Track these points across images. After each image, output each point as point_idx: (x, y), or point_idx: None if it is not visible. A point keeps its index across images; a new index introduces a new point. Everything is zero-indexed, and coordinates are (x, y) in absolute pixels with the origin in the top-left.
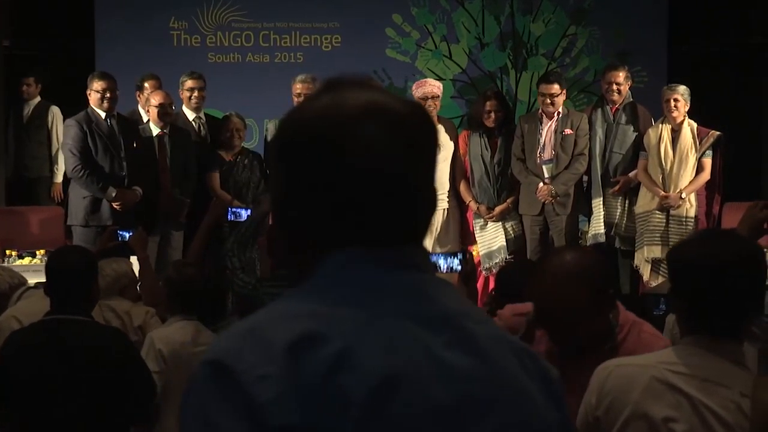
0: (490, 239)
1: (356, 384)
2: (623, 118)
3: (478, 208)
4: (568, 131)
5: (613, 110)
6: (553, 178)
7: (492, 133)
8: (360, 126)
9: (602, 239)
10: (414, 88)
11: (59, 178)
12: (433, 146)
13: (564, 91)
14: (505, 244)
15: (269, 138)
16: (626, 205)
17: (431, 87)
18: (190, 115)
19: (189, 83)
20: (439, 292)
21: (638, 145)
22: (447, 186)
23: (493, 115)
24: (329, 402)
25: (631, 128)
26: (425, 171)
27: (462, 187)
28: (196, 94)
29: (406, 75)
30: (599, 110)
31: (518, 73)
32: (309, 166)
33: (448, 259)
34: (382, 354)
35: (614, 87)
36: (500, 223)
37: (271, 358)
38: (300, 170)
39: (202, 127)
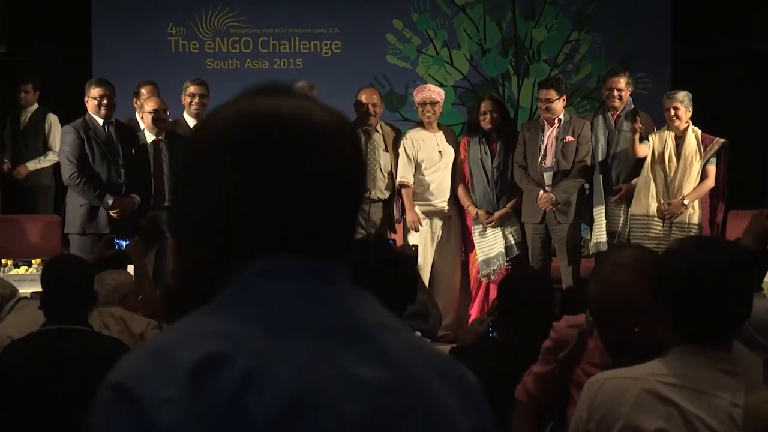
0: (489, 245)
1: (263, 406)
2: (625, 125)
3: (476, 213)
4: (569, 138)
5: (615, 117)
6: (554, 185)
7: (491, 138)
8: (324, 137)
9: (604, 248)
10: (414, 93)
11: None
12: (359, 156)
13: (563, 98)
14: (503, 250)
15: None
16: (628, 212)
17: (431, 93)
18: (191, 122)
19: (191, 89)
20: (354, 304)
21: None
22: (448, 193)
23: (488, 116)
24: (235, 425)
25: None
26: (364, 182)
27: (461, 192)
28: (196, 100)
29: (407, 81)
30: (600, 117)
31: (520, 80)
32: (233, 172)
33: None
34: (291, 373)
35: (615, 93)
36: (499, 228)
37: (175, 380)
38: (227, 176)
39: None
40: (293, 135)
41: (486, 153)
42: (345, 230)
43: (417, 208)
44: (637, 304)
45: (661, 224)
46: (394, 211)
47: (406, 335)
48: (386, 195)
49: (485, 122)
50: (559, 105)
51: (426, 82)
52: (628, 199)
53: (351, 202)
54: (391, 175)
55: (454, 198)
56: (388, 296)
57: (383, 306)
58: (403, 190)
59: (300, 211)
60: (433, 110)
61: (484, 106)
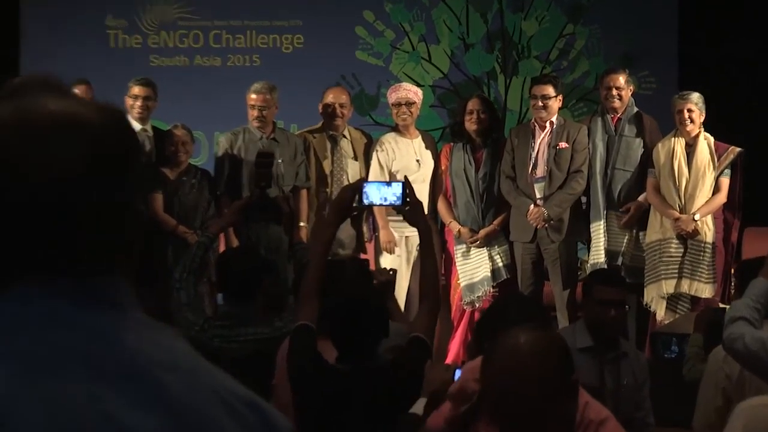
0: (473, 268)
1: None
2: (626, 129)
3: (459, 231)
4: (563, 145)
5: (615, 120)
6: (546, 198)
7: (476, 145)
8: (47, 142)
9: None
10: (388, 94)
11: None
12: (135, 163)
13: (560, 97)
14: (489, 274)
15: (220, 154)
16: (634, 230)
17: (406, 92)
18: (136, 126)
19: (135, 90)
20: (131, 336)
21: (645, 162)
22: (427, 209)
23: (475, 116)
24: None
25: (637, 141)
26: (123, 192)
27: (441, 207)
28: (139, 103)
29: (379, 80)
30: (599, 120)
31: (508, 79)
32: None
33: (382, 188)
34: (44, 420)
35: (614, 92)
36: (485, 249)
37: None
38: None
39: (147, 141)
40: (58, 149)
41: (470, 162)
42: (121, 247)
43: (391, 225)
44: (532, 398)
45: (680, 244)
46: (364, 229)
47: (194, 373)
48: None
49: (471, 122)
50: (556, 104)
51: (401, 82)
52: (638, 220)
53: (124, 218)
54: None
55: (433, 214)
56: (361, 328)
57: (174, 338)
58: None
59: (41, 230)
60: (410, 112)
61: (472, 104)
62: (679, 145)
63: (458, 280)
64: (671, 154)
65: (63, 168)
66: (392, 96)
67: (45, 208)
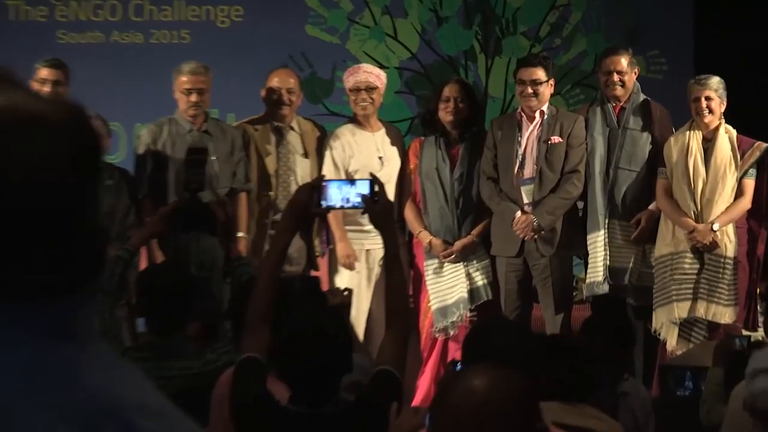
0: (447, 288)
1: None
2: (632, 121)
3: (430, 242)
4: (556, 139)
5: (617, 110)
6: (535, 204)
7: (452, 140)
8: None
9: (603, 290)
10: (344, 77)
11: None
12: (95, 162)
13: (551, 82)
14: (466, 296)
15: (141, 150)
16: (645, 246)
17: (367, 74)
18: None
19: (42, 73)
20: (104, 374)
21: (654, 160)
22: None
23: (452, 104)
24: None
25: (644, 135)
26: (86, 196)
27: (409, 214)
28: (48, 87)
29: (334, 61)
30: (598, 110)
31: (490, 60)
32: None
33: (344, 188)
34: None
35: (615, 77)
36: (461, 265)
37: None
38: None
39: None
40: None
41: (444, 160)
42: (85, 264)
43: (349, 237)
44: None
45: (694, 259)
46: (316, 241)
47: (174, 421)
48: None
49: (446, 112)
50: (547, 91)
51: (360, 62)
52: (650, 236)
53: (91, 227)
54: None
55: (400, 223)
56: (318, 362)
57: (141, 376)
58: (331, 213)
59: (19, 243)
60: (371, 99)
61: (448, 90)
62: (695, 139)
63: (429, 302)
64: (685, 151)
65: (22, 171)
66: (350, 80)
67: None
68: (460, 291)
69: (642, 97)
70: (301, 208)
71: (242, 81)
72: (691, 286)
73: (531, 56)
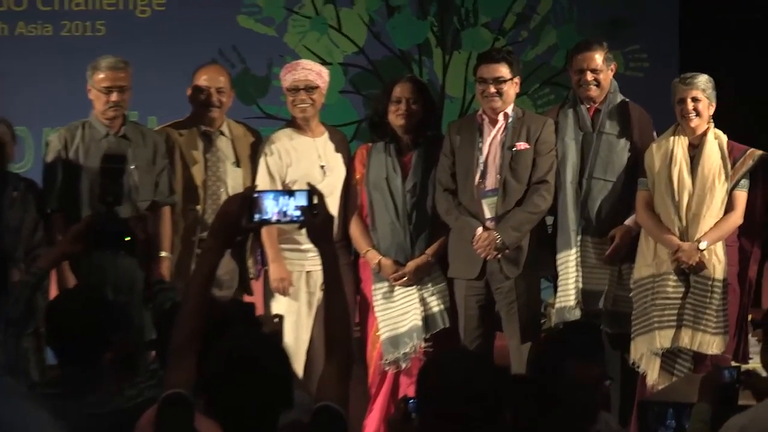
0: (398, 316)
1: None
2: (608, 125)
3: (379, 263)
4: (522, 145)
5: (592, 112)
6: (499, 218)
7: (404, 146)
8: None
9: (574, 316)
10: (282, 74)
11: None
12: None
13: (516, 80)
14: (420, 324)
15: (51, 157)
16: (621, 267)
17: (306, 72)
18: None
19: None
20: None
21: (633, 169)
22: (335, 233)
23: (404, 106)
24: None
25: (622, 141)
26: None
27: (355, 231)
28: None
29: (271, 56)
30: (570, 112)
31: (447, 55)
32: None
33: (281, 200)
34: None
35: (588, 76)
36: (415, 288)
37: None
38: None
39: None
40: None
41: (395, 169)
42: None
43: (286, 257)
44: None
45: (678, 282)
46: (250, 262)
47: None
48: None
49: (398, 115)
50: (512, 90)
51: (300, 58)
52: (625, 254)
53: None
54: None
55: (344, 241)
56: (253, 399)
57: (45, 418)
58: (264, 229)
59: None
60: (311, 99)
61: (400, 90)
62: (680, 146)
63: (378, 331)
64: (669, 159)
65: None
66: (287, 78)
67: None
68: (414, 318)
69: (620, 97)
70: (231, 223)
71: (165, 79)
72: (675, 312)
73: (493, 51)
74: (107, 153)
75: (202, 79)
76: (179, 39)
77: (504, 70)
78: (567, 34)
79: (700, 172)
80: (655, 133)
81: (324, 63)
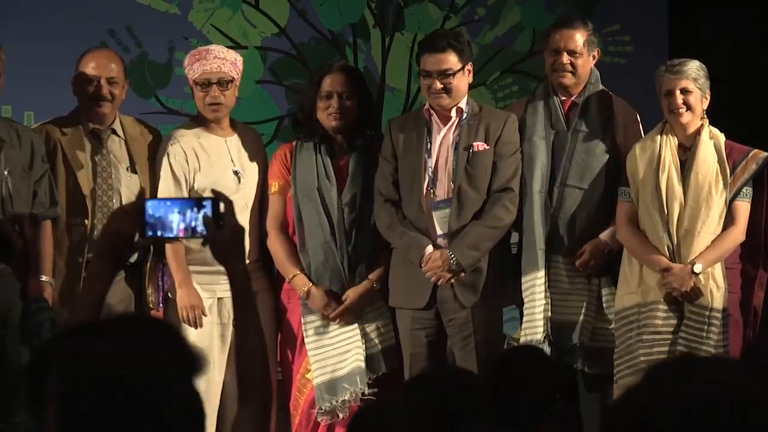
0: (336, 356)
1: None
2: (585, 122)
3: (309, 292)
4: (480, 146)
5: (567, 106)
6: (453, 235)
7: (337, 148)
8: None
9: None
10: (187, 62)
11: None
12: None
13: (468, 68)
14: (363, 365)
15: None
16: (597, 288)
17: (219, 62)
18: None
19: None
20: None
21: (615, 176)
22: (250, 252)
23: (335, 102)
24: None
25: (602, 142)
26: None
27: (279, 250)
28: None
29: (172, 39)
30: (540, 106)
31: (387, 37)
32: None
33: (183, 210)
34: None
35: (564, 59)
36: (355, 325)
37: None
38: None
39: None
40: None
41: (328, 177)
42: None
43: (195, 280)
44: None
45: (668, 311)
46: (149, 289)
47: None
48: (133, 255)
49: (329, 114)
50: (463, 82)
51: (208, 41)
52: (598, 269)
53: None
54: None
55: (262, 260)
56: None
57: None
58: (167, 247)
59: None
60: (223, 95)
61: (330, 82)
62: (668, 148)
63: (307, 373)
64: (656, 164)
65: None
66: (195, 67)
67: None
68: (355, 359)
69: (600, 87)
70: (120, 240)
71: (44, 67)
72: (666, 348)
73: (435, 36)
74: None
75: (90, 67)
76: (61, 17)
77: (451, 60)
78: (533, 13)
79: (693, 180)
80: (642, 132)
81: (238, 47)
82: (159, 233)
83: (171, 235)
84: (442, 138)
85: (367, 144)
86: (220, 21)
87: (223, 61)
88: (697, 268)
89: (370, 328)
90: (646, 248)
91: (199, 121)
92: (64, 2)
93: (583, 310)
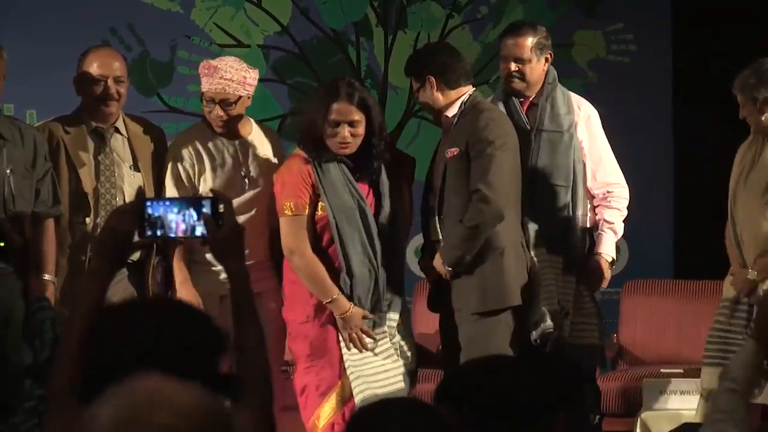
0: (378, 375)
1: None
2: (546, 123)
3: (348, 314)
4: (451, 152)
5: (526, 106)
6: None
7: (353, 167)
8: None
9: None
10: (200, 70)
11: None
12: None
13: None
14: (403, 385)
15: None
16: (574, 283)
17: (224, 84)
18: None
19: None
20: None
21: (577, 170)
22: (257, 248)
23: (344, 133)
24: None
25: (563, 140)
26: None
27: (318, 270)
28: None
29: (174, 38)
30: (500, 107)
31: (390, 35)
32: None
33: (182, 209)
34: None
35: (512, 67)
36: (390, 344)
37: None
38: None
39: None
40: None
41: (360, 197)
42: None
43: (195, 279)
44: None
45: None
46: (151, 284)
47: None
48: (135, 254)
49: (337, 143)
50: (440, 98)
51: (212, 40)
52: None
53: None
54: None
55: (274, 260)
56: None
57: None
58: (174, 245)
59: None
60: (226, 113)
61: (339, 111)
62: (753, 149)
63: (334, 395)
64: (740, 165)
65: None
66: (203, 81)
67: None
68: (397, 379)
69: (560, 89)
70: (117, 239)
71: (46, 65)
72: (720, 347)
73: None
74: None
75: (94, 67)
76: (63, 16)
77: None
78: (535, 11)
79: (753, 178)
80: (602, 132)
81: (240, 45)
82: (158, 233)
83: (170, 235)
84: (442, 144)
85: (387, 164)
86: (223, 19)
87: (228, 82)
88: (753, 274)
89: (402, 347)
90: (731, 247)
91: (208, 122)
92: (66, 1)
93: (564, 303)
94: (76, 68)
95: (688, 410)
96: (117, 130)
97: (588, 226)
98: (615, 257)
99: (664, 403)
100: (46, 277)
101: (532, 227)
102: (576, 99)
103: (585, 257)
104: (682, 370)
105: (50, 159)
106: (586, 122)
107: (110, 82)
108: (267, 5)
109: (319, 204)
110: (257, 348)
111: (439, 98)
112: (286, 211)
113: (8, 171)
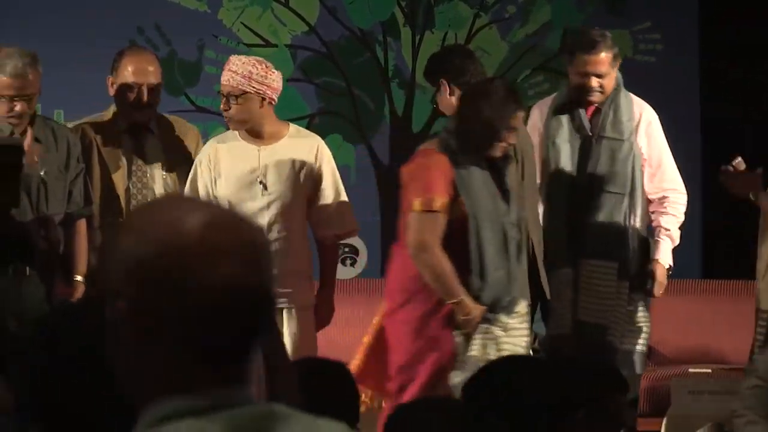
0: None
1: None
2: (609, 129)
3: (471, 317)
4: None
5: (591, 111)
6: None
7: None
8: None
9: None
10: (227, 68)
11: None
12: None
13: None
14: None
15: None
16: (626, 291)
17: (229, 75)
18: None
19: None
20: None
21: (637, 177)
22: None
23: (511, 140)
24: None
25: (624, 147)
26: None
27: (446, 269)
28: None
29: (202, 38)
30: (564, 118)
31: (418, 35)
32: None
33: None
34: None
35: (594, 83)
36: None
37: None
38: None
39: None
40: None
41: (498, 198)
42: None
43: None
44: None
45: None
46: None
47: None
48: None
49: (502, 149)
50: (453, 102)
51: (239, 40)
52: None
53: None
54: None
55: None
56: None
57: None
58: None
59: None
60: (230, 108)
61: (514, 121)
62: None
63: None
64: None
65: None
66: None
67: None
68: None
69: (623, 93)
70: None
71: (73, 65)
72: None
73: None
74: None
75: (129, 72)
76: (91, 15)
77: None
78: (563, 10)
79: None
80: (662, 133)
81: (267, 45)
82: None
83: None
84: None
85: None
86: (250, 19)
87: (233, 74)
88: None
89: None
90: None
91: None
92: (93, 2)
93: (616, 313)
94: (111, 68)
95: (716, 410)
96: (150, 131)
97: (645, 235)
98: (672, 264)
99: (691, 403)
100: (78, 278)
101: (588, 233)
102: (638, 104)
103: (642, 264)
104: (710, 370)
105: (83, 159)
106: (646, 127)
107: (144, 89)
108: (294, 5)
109: (454, 204)
110: (285, 366)
111: (453, 102)
112: (417, 207)
113: (42, 173)
